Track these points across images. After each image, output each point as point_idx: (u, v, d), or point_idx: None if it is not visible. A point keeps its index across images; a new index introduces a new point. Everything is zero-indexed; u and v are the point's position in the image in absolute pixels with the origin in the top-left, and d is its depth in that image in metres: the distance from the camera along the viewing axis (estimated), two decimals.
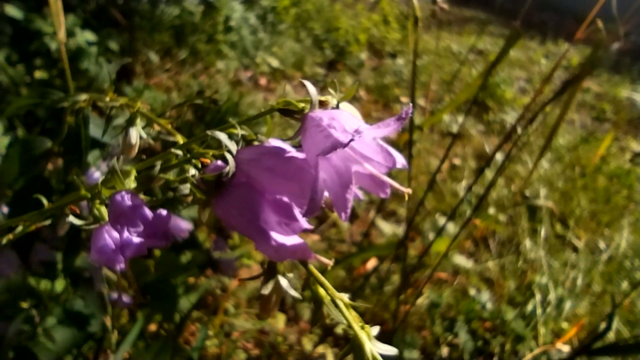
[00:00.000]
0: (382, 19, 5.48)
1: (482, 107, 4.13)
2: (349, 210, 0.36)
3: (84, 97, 0.62)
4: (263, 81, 3.87)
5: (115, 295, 1.04)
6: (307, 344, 1.91)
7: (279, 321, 1.98)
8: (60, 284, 1.36)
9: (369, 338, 0.33)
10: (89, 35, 2.66)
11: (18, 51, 2.62)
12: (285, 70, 4.04)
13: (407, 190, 0.37)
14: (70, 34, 2.61)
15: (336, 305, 0.35)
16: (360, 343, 0.32)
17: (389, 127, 0.35)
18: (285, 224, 0.37)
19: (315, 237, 2.48)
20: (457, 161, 3.33)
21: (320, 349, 1.87)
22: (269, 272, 0.38)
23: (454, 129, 3.64)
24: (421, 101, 3.93)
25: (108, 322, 1.01)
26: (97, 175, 1.28)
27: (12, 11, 2.50)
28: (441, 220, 2.54)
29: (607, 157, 3.56)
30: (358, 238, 2.49)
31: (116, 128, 1.01)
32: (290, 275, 0.39)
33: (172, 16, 3.69)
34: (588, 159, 3.50)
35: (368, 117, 3.67)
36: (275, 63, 4.02)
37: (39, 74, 2.58)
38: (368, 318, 1.96)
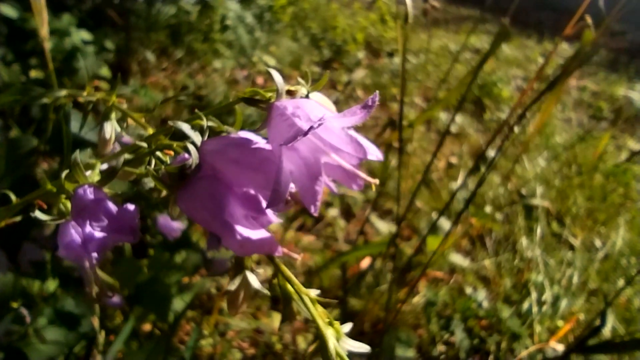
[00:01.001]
0: (379, 17, 5.47)
1: (479, 106, 4.12)
2: (318, 203, 0.35)
3: (63, 92, 0.61)
4: (260, 80, 3.85)
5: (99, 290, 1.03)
6: (302, 343, 1.90)
7: (274, 320, 1.97)
8: (52, 284, 1.35)
9: (337, 335, 0.32)
10: (84, 35, 2.65)
11: (13, 50, 2.61)
12: (282, 70, 4.03)
13: (375, 181, 0.36)
14: (65, 33, 2.60)
15: (303, 301, 0.34)
16: (324, 340, 0.31)
17: (356, 116, 0.34)
18: (253, 218, 0.36)
19: (311, 236, 2.47)
20: (454, 160, 3.32)
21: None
22: (237, 267, 0.37)
23: (452, 127, 3.63)
24: (417, 100, 3.93)
25: (96, 322, 1.00)
26: (88, 173, 1.26)
27: (7, 10, 2.49)
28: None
29: (603, 155, 3.55)
30: (354, 237, 2.48)
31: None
32: (261, 270, 0.38)
33: (168, 15, 3.68)
34: (585, 157, 3.49)
35: None
36: (272, 62, 4.01)
37: (34, 74, 2.57)
38: (362, 316, 1.95)
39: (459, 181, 2.98)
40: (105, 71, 2.70)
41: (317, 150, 0.36)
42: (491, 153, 2.76)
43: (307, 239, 2.44)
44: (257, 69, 3.92)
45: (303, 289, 0.34)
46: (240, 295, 0.37)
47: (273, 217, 0.36)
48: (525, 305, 2.14)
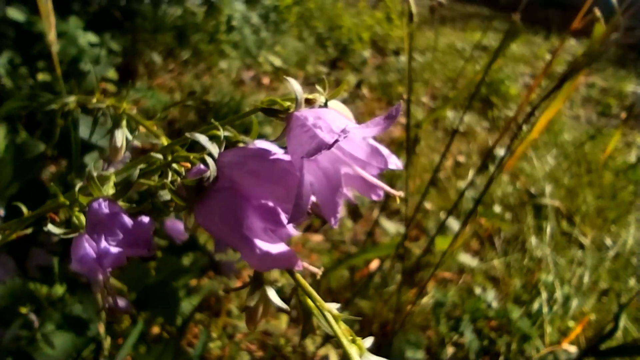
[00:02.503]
0: (385, 16, 5.45)
1: (487, 104, 4.09)
2: (338, 215, 0.34)
3: (72, 98, 0.60)
4: (266, 80, 3.85)
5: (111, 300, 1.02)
6: (310, 346, 1.89)
7: (282, 322, 1.97)
8: (59, 289, 1.35)
9: (360, 351, 0.31)
10: (91, 37, 2.65)
11: (21, 54, 2.61)
12: (288, 70, 4.02)
13: (399, 194, 0.35)
14: (72, 36, 2.60)
15: (325, 318, 0.33)
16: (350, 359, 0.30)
17: (379, 126, 0.33)
18: (271, 231, 0.35)
19: (319, 237, 2.46)
20: (461, 158, 3.30)
21: (323, 351, 1.85)
22: (255, 282, 0.36)
23: (460, 125, 3.61)
24: (425, 98, 3.91)
25: (101, 328, 1.00)
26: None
27: (14, 14, 2.49)
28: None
29: (613, 153, 3.52)
30: (362, 237, 2.47)
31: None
32: (279, 284, 0.37)
33: (174, 17, 3.68)
34: (594, 154, 3.46)
35: (371, 115, 3.64)
36: (278, 62, 4.00)
37: (42, 76, 2.57)
38: (371, 318, 1.94)
39: (468, 180, 2.96)
40: (112, 73, 2.70)
41: (337, 161, 0.35)
42: (499, 151, 2.74)
43: (315, 239, 2.43)
44: (263, 70, 3.92)
45: (325, 305, 0.33)
46: (259, 310, 0.36)
47: (292, 230, 0.35)
48: (536, 306, 2.12)
